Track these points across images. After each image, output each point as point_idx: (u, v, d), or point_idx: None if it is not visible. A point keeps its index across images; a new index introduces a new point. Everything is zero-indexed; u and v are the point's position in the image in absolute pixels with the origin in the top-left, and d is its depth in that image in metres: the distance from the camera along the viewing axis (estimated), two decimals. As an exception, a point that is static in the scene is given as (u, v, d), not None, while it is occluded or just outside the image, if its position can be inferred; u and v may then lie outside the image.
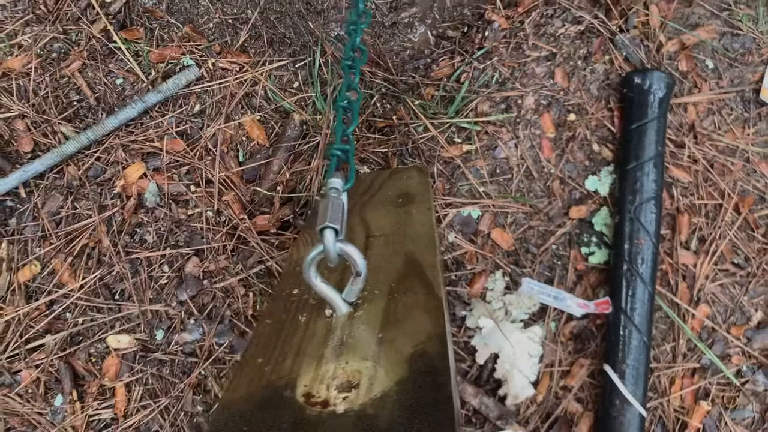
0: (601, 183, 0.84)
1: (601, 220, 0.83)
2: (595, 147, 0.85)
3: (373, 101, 0.83)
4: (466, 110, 0.83)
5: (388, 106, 0.84)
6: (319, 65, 0.81)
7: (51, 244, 0.78)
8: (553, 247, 0.83)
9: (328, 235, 0.45)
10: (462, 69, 0.83)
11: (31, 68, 0.80)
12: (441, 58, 0.84)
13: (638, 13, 0.86)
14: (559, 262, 0.83)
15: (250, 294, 0.78)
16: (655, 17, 0.87)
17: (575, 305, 0.79)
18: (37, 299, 0.77)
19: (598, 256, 0.83)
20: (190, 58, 0.81)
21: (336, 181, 0.49)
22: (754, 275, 0.84)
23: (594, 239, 0.83)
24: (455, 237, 0.82)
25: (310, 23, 0.81)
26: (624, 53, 0.86)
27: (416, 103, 0.83)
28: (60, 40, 0.81)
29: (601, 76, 0.86)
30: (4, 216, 0.79)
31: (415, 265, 0.53)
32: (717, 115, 0.87)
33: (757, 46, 0.89)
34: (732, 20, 0.88)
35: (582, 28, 0.85)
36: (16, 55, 0.80)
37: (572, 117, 0.85)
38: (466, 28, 0.85)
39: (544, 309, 0.80)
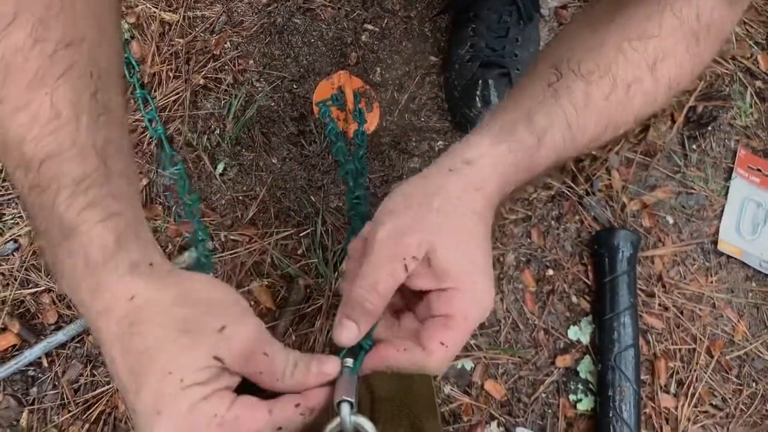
0: (582, 332, 0.97)
1: (585, 368, 0.96)
2: (574, 299, 0.99)
3: (369, 264, 0.98)
4: (455, 269, 0.98)
5: (383, 267, 0.98)
6: (321, 234, 0.97)
7: (69, 411, 0.88)
8: (543, 395, 0.95)
9: (345, 408, 0.57)
10: (449, 232, 1.00)
11: (58, 246, 0.95)
12: (429, 224, 1.01)
13: (601, 177, 1.05)
14: (549, 411, 0.94)
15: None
16: (616, 181, 1.05)
17: (568, 453, 0.89)
18: (52, 467, 0.86)
19: (585, 403, 0.94)
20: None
21: (349, 360, 0.62)
22: (732, 416, 0.96)
23: (580, 386, 0.95)
24: (451, 389, 0.93)
25: (311, 197, 0.98)
26: (592, 213, 1.03)
27: (409, 263, 0.98)
28: (86, 220, 0.96)
29: (573, 234, 1.02)
30: (26, 386, 0.90)
31: (419, 430, 0.64)
32: (681, 266, 1.03)
33: (710, 203, 1.07)
34: (685, 181, 1.07)
35: (552, 193, 1.03)
36: (46, 235, 0.95)
37: (550, 272, 1.00)
38: (450, 197, 1.03)
39: (539, 457, 0.90)
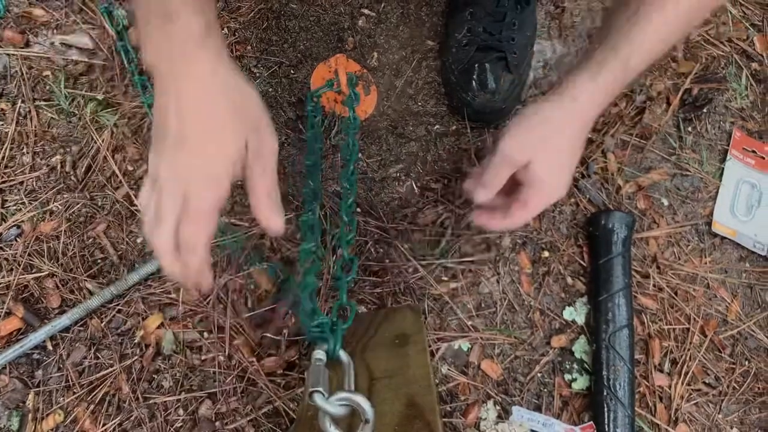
0: (577, 313, 0.99)
1: (581, 348, 0.97)
2: (569, 280, 1.01)
3: (367, 247, 0.99)
4: (451, 251, 1.00)
5: (381, 250, 1.00)
6: (319, 217, 0.98)
7: (74, 393, 0.90)
8: (539, 375, 0.96)
9: (317, 398, 0.59)
10: (445, 215, 1.01)
11: (61, 231, 0.96)
12: (426, 207, 1.02)
13: (597, 160, 1.06)
14: (545, 390, 0.96)
15: (259, 433, 0.90)
16: (612, 163, 1.06)
17: (563, 430, 0.91)
18: (58, 447, 0.88)
19: (581, 383, 0.96)
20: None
21: (320, 353, 0.65)
22: (725, 394, 0.98)
23: (575, 366, 0.97)
24: (448, 369, 0.95)
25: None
26: (587, 196, 1.04)
27: (406, 246, 0.99)
28: (87, 206, 0.98)
29: (568, 217, 1.03)
30: (31, 369, 0.92)
31: (416, 408, 0.66)
32: (676, 247, 1.04)
33: (705, 185, 1.08)
34: (680, 163, 1.08)
35: (549, 176, 1.04)
36: (48, 221, 0.97)
37: (546, 254, 1.02)
38: (446, 181, 1.04)
39: (534, 435, 0.92)
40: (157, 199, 0.57)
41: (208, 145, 0.57)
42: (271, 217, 0.62)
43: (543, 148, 0.72)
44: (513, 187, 0.76)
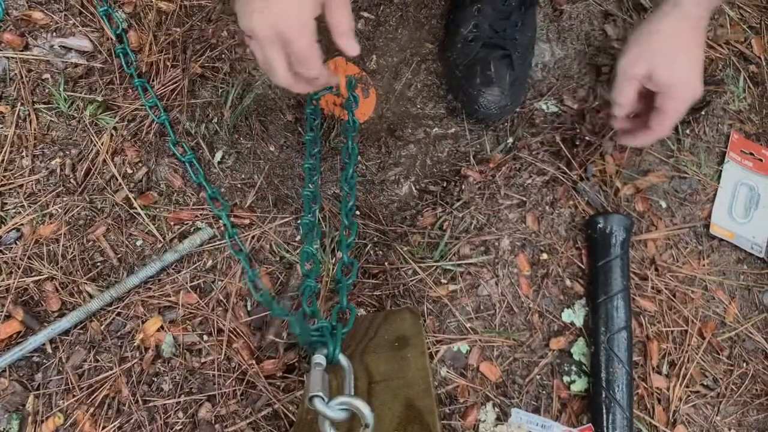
0: (576, 315, 0.99)
1: (579, 350, 0.98)
2: (568, 282, 1.01)
3: (366, 250, 1.00)
4: (450, 254, 1.00)
5: (380, 253, 1.00)
6: (318, 220, 0.98)
7: (74, 396, 0.90)
8: (538, 377, 0.97)
9: (317, 402, 0.59)
10: (444, 218, 1.01)
11: (60, 235, 0.96)
12: (425, 210, 1.02)
13: (595, 163, 1.06)
14: (544, 392, 0.96)
15: (259, 436, 0.90)
16: (610, 166, 1.06)
17: (561, 433, 0.92)
18: (58, 450, 0.88)
19: (579, 385, 0.96)
20: (203, 221, 0.98)
21: (320, 357, 0.65)
22: (723, 395, 0.98)
23: (574, 368, 0.97)
24: (447, 372, 0.95)
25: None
26: (586, 198, 1.04)
27: (405, 249, 1.00)
28: (87, 209, 0.98)
29: (567, 219, 1.04)
30: (31, 371, 0.92)
31: (415, 411, 0.67)
32: (674, 249, 1.05)
33: (703, 187, 1.08)
34: (678, 165, 1.08)
35: (547, 178, 1.04)
36: (48, 224, 0.97)
37: (545, 256, 1.02)
38: (445, 183, 1.04)
39: (533, 437, 0.92)
40: (262, 52, 0.69)
41: None
42: (349, 43, 0.72)
43: (659, 56, 0.79)
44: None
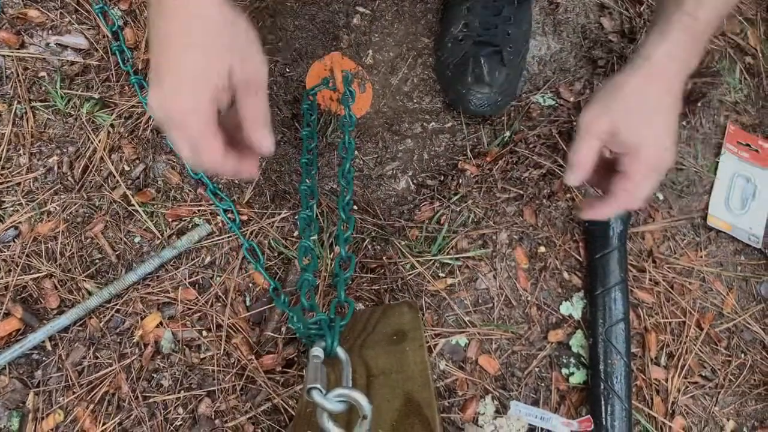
0: (574, 308, 0.99)
1: (577, 343, 0.98)
2: (566, 275, 1.01)
3: (364, 244, 1.00)
4: (448, 248, 1.00)
5: (378, 247, 1.00)
6: (316, 215, 0.98)
7: (74, 393, 0.90)
8: (536, 369, 0.97)
9: (315, 394, 0.59)
10: (441, 212, 1.01)
11: (58, 232, 0.96)
12: (422, 204, 1.02)
13: (592, 155, 1.06)
14: (542, 384, 0.96)
15: (259, 431, 0.90)
16: (607, 158, 1.06)
17: (560, 424, 0.92)
18: (58, 447, 0.88)
19: (578, 377, 0.96)
20: (201, 217, 0.98)
21: (317, 350, 0.65)
22: (721, 386, 0.98)
23: (573, 360, 0.97)
24: (446, 365, 0.96)
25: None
26: (583, 191, 1.04)
27: (403, 243, 1.00)
28: (84, 206, 0.98)
29: (564, 212, 1.04)
30: (31, 369, 0.92)
31: (414, 404, 0.67)
32: (672, 241, 1.05)
33: (700, 178, 1.08)
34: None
35: (544, 171, 1.04)
36: (46, 221, 0.97)
37: (542, 249, 1.02)
38: (442, 177, 1.04)
39: (532, 429, 0.92)
40: (167, 135, 0.61)
41: (184, 75, 0.57)
42: (262, 138, 0.64)
43: (626, 114, 0.68)
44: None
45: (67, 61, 1.05)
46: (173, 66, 0.57)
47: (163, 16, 0.57)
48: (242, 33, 0.61)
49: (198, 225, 0.97)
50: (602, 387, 0.91)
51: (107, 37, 1.06)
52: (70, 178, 0.99)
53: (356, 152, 1.04)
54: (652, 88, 0.69)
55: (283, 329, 0.93)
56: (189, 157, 0.60)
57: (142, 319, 0.93)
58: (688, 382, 0.97)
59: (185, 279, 0.95)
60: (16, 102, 1.02)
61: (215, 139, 0.59)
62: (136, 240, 0.98)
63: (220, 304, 0.95)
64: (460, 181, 1.02)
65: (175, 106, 0.57)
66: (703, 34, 0.67)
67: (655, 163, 0.69)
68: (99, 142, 1.01)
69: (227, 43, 0.59)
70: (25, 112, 1.01)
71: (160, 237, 0.97)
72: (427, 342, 0.94)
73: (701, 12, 0.65)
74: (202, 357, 0.93)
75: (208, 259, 0.97)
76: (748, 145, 1.09)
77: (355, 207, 1.01)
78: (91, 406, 0.90)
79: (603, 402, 0.91)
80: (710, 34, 0.68)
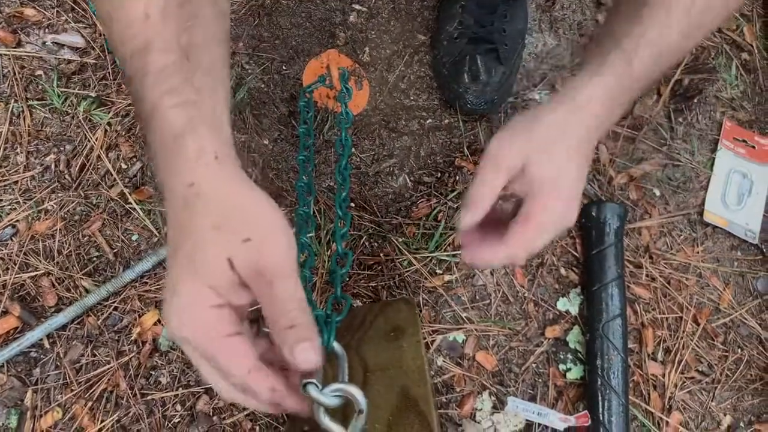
0: (571, 304, 1.00)
1: (575, 338, 0.98)
2: (563, 271, 1.01)
3: (362, 241, 1.00)
4: (445, 244, 1.00)
5: (376, 244, 1.00)
6: (313, 212, 0.98)
7: (72, 390, 0.90)
8: (534, 365, 0.97)
9: (312, 389, 0.59)
10: (438, 209, 1.01)
11: (56, 230, 0.96)
12: (419, 201, 1.02)
13: (589, 152, 1.06)
14: (540, 380, 0.97)
15: (257, 428, 0.90)
16: (604, 154, 1.07)
17: (558, 420, 0.92)
18: (57, 445, 0.89)
19: (575, 372, 0.97)
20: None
21: None
22: (718, 381, 0.98)
23: (570, 356, 0.98)
24: (443, 361, 0.96)
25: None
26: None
27: (400, 240, 1.00)
28: (82, 204, 0.98)
29: (562, 208, 1.04)
30: (29, 367, 0.92)
31: (411, 400, 0.67)
32: (668, 237, 1.05)
33: (696, 174, 1.08)
34: (671, 154, 1.08)
35: (541, 168, 1.04)
36: (43, 220, 0.97)
37: (540, 246, 1.02)
38: (439, 174, 1.04)
39: (530, 425, 0.93)
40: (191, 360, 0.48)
41: (179, 286, 0.45)
42: (295, 349, 0.45)
43: (540, 148, 0.58)
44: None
45: (64, 59, 1.05)
46: (169, 274, 0.47)
47: (165, 197, 0.48)
48: (245, 208, 0.47)
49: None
50: (599, 383, 0.92)
51: (104, 35, 1.06)
52: (67, 176, 0.99)
53: (353, 149, 1.04)
54: (575, 131, 0.59)
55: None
56: (206, 376, 0.47)
57: (139, 316, 0.94)
58: (685, 378, 0.97)
59: (183, 276, 0.95)
60: (13, 101, 1.02)
61: (234, 353, 0.45)
62: (134, 238, 0.98)
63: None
64: (457, 178, 1.02)
65: (185, 328, 0.45)
66: (634, 84, 0.60)
67: (561, 212, 0.58)
68: (96, 140, 1.01)
69: (225, 229, 0.45)
70: (22, 111, 1.02)
71: (158, 235, 0.97)
72: (425, 338, 0.94)
73: (636, 60, 0.58)
74: (199, 354, 0.93)
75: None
76: (744, 141, 1.10)
77: (352, 204, 1.01)
78: (90, 404, 0.90)
79: (600, 397, 0.91)
80: (638, 91, 0.61)
